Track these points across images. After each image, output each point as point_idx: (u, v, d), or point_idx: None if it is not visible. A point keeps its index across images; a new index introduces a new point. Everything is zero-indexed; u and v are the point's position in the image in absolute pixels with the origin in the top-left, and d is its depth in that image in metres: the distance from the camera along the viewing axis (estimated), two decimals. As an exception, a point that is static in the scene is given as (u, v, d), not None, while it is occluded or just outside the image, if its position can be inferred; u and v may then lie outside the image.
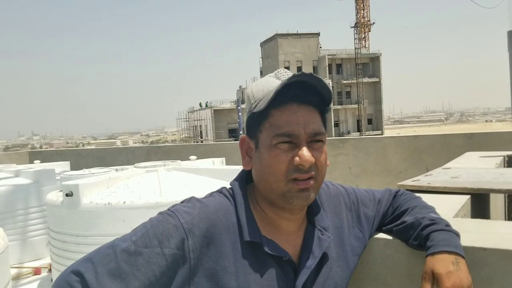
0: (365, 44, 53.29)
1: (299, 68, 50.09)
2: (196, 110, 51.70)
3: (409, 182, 2.02)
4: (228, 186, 1.14)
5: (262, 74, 53.56)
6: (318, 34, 51.58)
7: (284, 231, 1.10)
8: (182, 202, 1.08)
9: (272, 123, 1.03)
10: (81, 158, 8.78)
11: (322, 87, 1.04)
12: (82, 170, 5.63)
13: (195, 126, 50.36)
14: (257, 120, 1.06)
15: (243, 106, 41.12)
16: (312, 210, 1.15)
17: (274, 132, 1.02)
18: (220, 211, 1.05)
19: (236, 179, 1.14)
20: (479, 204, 1.94)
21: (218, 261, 1.00)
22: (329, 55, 50.46)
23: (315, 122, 1.05)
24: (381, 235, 1.28)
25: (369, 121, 51.40)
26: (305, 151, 1.01)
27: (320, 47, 51.39)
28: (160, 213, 1.03)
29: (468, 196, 1.77)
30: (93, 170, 5.78)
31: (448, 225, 1.15)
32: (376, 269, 1.29)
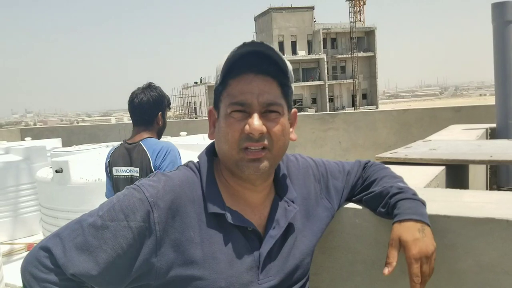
0: (360, 18, 52.82)
1: (293, 43, 49.72)
2: (190, 87, 51.39)
3: (387, 154, 2.05)
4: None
5: (256, 49, 53.02)
6: (312, 8, 50.96)
7: (249, 202, 1.12)
8: (148, 177, 1.10)
9: (229, 93, 1.04)
10: (73, 135, 8.76)
11: (277, 57, 1.04)
12: (72, 147, 5.64)
13: (189, 102, 50.15)
14: (218, 90, 1.08)
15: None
16: (280, 182, 1.17)
17: (229, 101, 1.04)
18: (185, 184, 1.07)
19: (203, 152, 1.15)
20: (457, 175, 1.98)
21: (184, 232, 1.02)
22: (323, 29, 49.98)
23: (271, 92, 1.05)
24: (350, 205, 1.31)
25: (364, 96, 51.35)
26: (255, 120, 1.01)
27: (315, 21, 50.86)
28: (127, 188, 1.05)
29: (443, 167, 1.81)
30: (83, 146, 5.79)
31: (415, 194, 1.19)
32: (346, 237, 1.33)
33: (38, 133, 9.26)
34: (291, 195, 1.16)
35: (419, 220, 1.11)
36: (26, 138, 7.71)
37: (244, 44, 1.02)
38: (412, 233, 1.09)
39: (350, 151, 6.32)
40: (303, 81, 48.94)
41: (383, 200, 1.20)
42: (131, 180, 2.49)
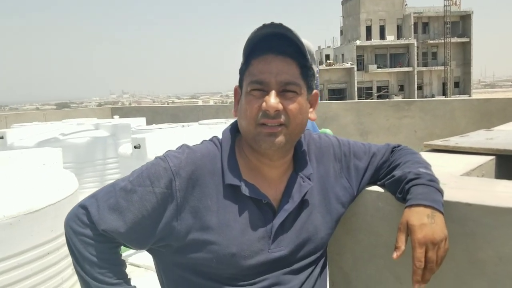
0: (455, 1, 49.42)
1: (381, 28, 47.85)
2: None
3: (437, 142, 1.99)
4: None
5: (342, 34, 51.94)
6: (404, -9, 48.58)
7: (267, 176, 1.19)
8: (176, 149, 1.20)
9: (250, 72, 1.12)
10: (157, 115, 9.31)
11: (296, 39, 1.08)
12: (152, 125, 6.01)
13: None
14: (242, 70, 1.15)
15: (321, 67, 40.37)
16: (298, 159, 1.23)
17: (250, 79, 1.11)
18: (206, 156, 1.16)
19: (227, 128, 1.24)
20: (510, 166, 1.88)
21: (202, 200, 1.12)
22: (415, 13, 47.48)
23: (289, 72, 1.10)
24: (373, 188, 1.33)
25: (456, 84, 48.24)
26: (272, 98, 1.08)
27: (406, 5, 48.48)
28: (155, 157, 1.17)
29: (493, 157, 1.73)
30: (162, 125, 6.15)
31: (432, 180, 1.17)
32: (369, 220, 1.35)
33: (126, 112, 9.95)
34: (307, 172, 1.21)
35: (430, 206, 1.11)
36: (114, 116, 8.33)
37: (264, 26, 1.07)
38: (419, 217, 1.09)
39: (425, 140, 6.04)
40: (390, 67, 47.09)
41: (400, 185, 1.21)
42: None
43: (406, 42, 46.82)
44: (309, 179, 1.21)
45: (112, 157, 6.57)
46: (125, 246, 1.16)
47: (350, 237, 1.40)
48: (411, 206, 1.13)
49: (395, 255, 1.09)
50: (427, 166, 1.26)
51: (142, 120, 8.25)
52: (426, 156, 1.65)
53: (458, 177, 1.44)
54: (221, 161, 1.17)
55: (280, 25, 1.07)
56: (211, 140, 1.23)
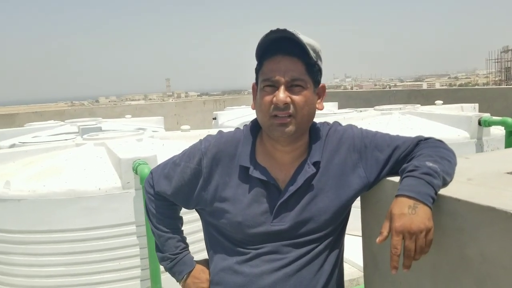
0: None
1: None
2: (511, 50, 44.97)
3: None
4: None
5: None
6: None
7: (279, 161, 1.39)
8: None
9: (263, 71, 1.34)
10: (351, 100, 9.51)
11: (300, 41, 1.27)
12: (329, 111, 6.30)
13: (507, 67, 44.16)
14: (257, 69, 1.38)
15: None
16: (312, 148, 1.39)
17: (262, 77, 1.33)
18: (230, 142, 1.43)
19: (254, 118, 1.48)
20: None
21: (222, 177, 1.40)
22: None
23: (295, 70, 1.29)
24: (392, 178, 1.38)
25: None
26: (281, 93, 1.28)
27: None
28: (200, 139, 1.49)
29: None
30: (342, 110, 6.38)
31: (427, 173, 1.20)
32: (388, 206, 1.41)
33: (325, 98, 10.37)
34: (312, 159, 1.37)
35: (413, 197, 1.16)
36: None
37: (271, 32, 1.30)
38: (400, 207, 1.16)
39: None
40: None
41: (401, 176, 1.26)
42: None
43: None
44: (314, 165, 1.36)
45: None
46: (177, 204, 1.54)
47: (376, 222, 1.48)
48: (397, 196, 1.20)
49: (377, 240, 1.19)
50: (439, 160, 1.26)
51: (334, 105, 8.58)
52: None
53: (502, 174, 1.36)
54: (241, 146, 1.42)
55: (285, 30, 1.28)
56: (244, 127, 1.49)
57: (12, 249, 3.10)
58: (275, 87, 1.31)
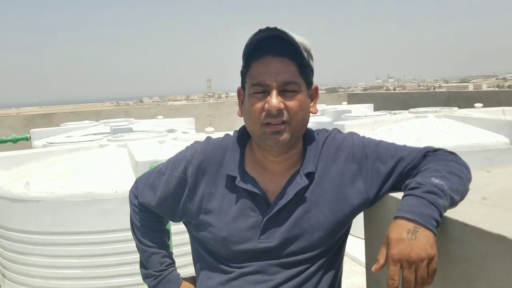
0: None
1: None
2: None
3: None
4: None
5: None
6: None
7: (270, 171, 1.26)
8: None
9: (251, 74, 1.20)
10: (387, 101, 9.21)
11: (292, 39, 1.13)
12: (362, 113, 6.08)
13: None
14: (243, 72, 1.24)
15: None
16: (306, 158, 1.26)
17: (251, 82, 1.19)
18: (217, 149, 1.31)
19: (243, 125, 1.36)
20: None
21: (208, 187, 1.28)
22: None
23: (288, 72, 1.16)
24: (395, 194, 1.24)
25: None
26: (273, 98, 1.15)
27: None
28: (186, 146, 1.39)
29: None
30: (375, 113, 6.15)
31: (431, 192, 1.04)
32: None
33: (361, 99, 10.16)
34: (306, 169, 1.23)
35: (413, 219, 1.01)
36: (343, 103, 8.70)
37: (260, 30, 1.15)
38: (398, 232, 1.01)
39: None
40: None
41: (403, 194, 1.12)
42: None
43: None
44: (307, 177, 1.22)
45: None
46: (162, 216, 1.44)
47: (379, 242, 1.32)
48: (395, 218, 1.05)
49: (373, 268, 1.04)
50: (448, 176, 1.10)
51: (369, 107, 8.34)
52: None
53: (523, 192, 1.19)
54: (229, 153, 1.30)
55: (275, 28, 1.14)
56: (231, 134, 1.38)
57: (31, 250, 3.12)
58: (266, 92, 1.18)
